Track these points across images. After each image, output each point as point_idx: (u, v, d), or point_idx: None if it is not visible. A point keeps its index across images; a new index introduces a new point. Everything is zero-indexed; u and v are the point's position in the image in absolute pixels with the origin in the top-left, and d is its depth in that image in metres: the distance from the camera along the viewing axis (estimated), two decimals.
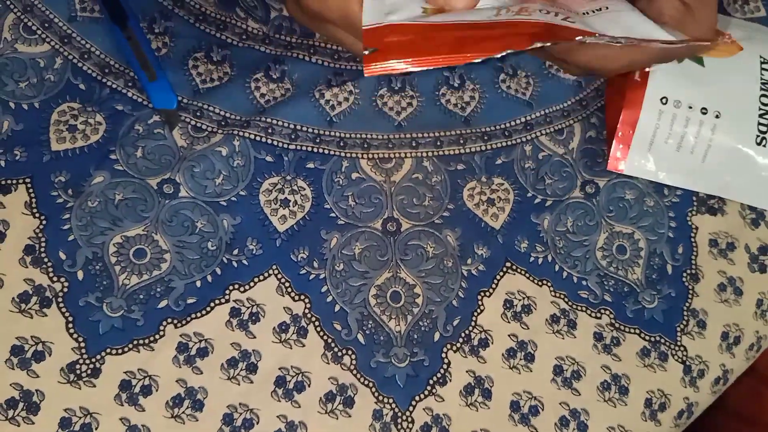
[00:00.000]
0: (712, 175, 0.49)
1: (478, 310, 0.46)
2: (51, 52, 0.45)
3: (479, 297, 0.46)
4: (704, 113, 0.48)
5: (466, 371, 0.45)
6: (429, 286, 0.46)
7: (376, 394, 0.43)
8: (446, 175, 0.48)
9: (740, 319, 0.49)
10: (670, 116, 0.47)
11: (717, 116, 0.47)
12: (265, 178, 0.46)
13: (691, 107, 0.48)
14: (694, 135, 0.47)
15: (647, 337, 0.47)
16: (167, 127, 0.45)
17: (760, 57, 0.49)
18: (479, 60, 0.32)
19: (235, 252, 0.44)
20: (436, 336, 0.45)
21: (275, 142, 0.46)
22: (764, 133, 0.48)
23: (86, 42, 0.46)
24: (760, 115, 0.48)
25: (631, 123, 0.48)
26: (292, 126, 0.47)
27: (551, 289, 0.47)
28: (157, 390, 0.41)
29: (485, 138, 0.49)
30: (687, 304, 0.49)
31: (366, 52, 0.33)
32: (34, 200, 0.43)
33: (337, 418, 0.43)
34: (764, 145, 0.48)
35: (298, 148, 0.47)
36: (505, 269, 0.47)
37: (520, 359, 0.45)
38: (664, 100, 0.47)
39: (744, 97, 0.48)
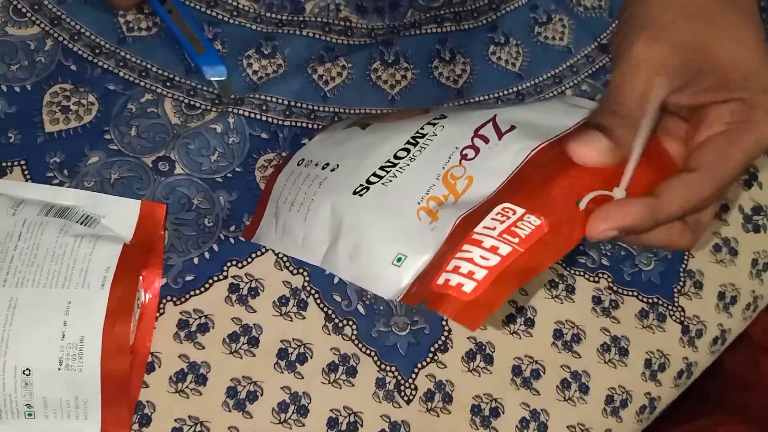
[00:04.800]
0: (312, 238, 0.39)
1: None
2: (41, 34, 0.45)
3: None
4: (325, 168, 0.39)
5: (467, 338, 0.45)
6: None
7: (379, 362, 0.43)
8: None
9: (736, 279, 0.49)
10: (297, 176, 0.41)
11: (333, 169, 0.39)
12: (260, 155, 0.46)
13: (317, 164, 0.40)
14: (305, 191, 0.39)
15: (645, 299, 0.48)
16: (219, 96, 0.45)
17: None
18: None
19: (232, 228, 0.44)
20: None
21: (270, 119, 0.47)
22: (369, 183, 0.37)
23: (76, 23, 0.46)
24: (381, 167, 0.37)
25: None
26: (286, 102, 0.47)
27: None
28: (159, 366, 0.41)
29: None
30: (683, 266, 0.49)
31: None
32: (29, 182, 0.43)
33: (340, 388, 0.43)
34: (361, 194, 0.37)
35: (293, 124, 0.47)
36: None
37: (520, 324, 0.46)
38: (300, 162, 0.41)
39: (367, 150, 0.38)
